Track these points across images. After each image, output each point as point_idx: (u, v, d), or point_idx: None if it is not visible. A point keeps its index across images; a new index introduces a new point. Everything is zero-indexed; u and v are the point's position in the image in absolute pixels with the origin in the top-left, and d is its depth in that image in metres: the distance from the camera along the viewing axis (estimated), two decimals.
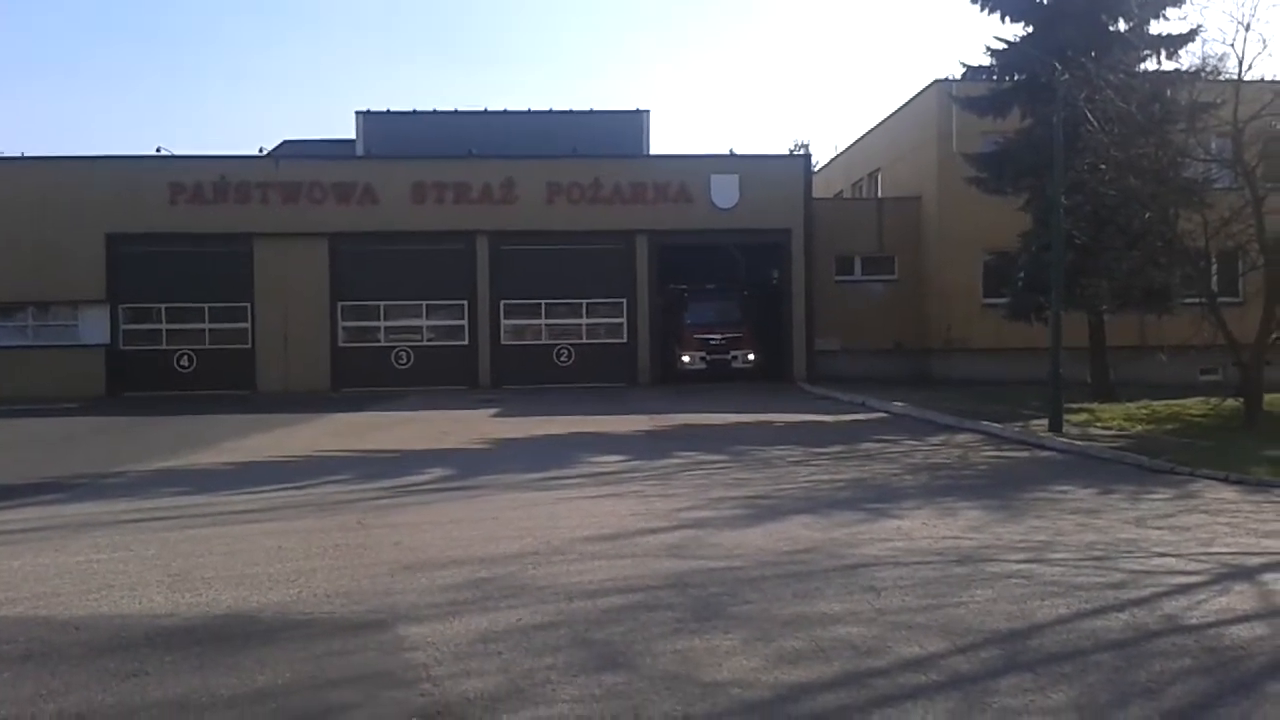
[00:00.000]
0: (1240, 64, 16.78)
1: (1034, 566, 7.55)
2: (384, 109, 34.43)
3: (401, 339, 29.20)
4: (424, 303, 29.28)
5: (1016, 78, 22.78)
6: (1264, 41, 18.52)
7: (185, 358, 28.55)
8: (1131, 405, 19.55)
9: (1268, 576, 7.35)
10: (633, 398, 24.78)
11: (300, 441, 16.44)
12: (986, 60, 23.10)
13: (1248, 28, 16.53)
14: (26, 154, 30.71)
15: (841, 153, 39.70)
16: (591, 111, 34.93)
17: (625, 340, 29.36)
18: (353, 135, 33.96)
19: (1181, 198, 18.41)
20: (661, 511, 9.84)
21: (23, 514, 10.18)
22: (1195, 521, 9.47)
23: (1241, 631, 5.98)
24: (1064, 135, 16.99)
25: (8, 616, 6.45)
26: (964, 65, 23.81)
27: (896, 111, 32.34)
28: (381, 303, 29.09)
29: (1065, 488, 11.35)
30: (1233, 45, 21.69)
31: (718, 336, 28.83)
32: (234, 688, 5.12)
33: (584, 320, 29.58)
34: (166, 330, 28.73)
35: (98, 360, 28.07)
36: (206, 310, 28.64)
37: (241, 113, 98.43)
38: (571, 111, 34.52)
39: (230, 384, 27.74)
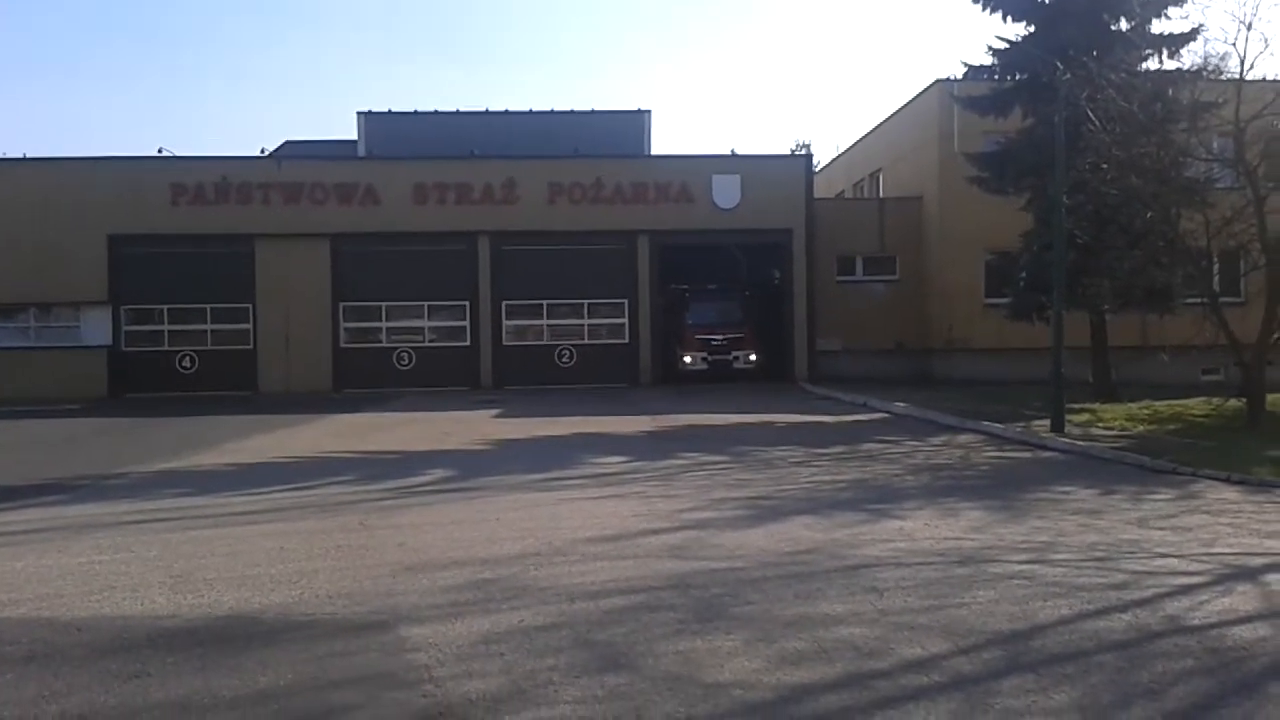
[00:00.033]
0: (1242, 63, 16.84)
1: (1036, 567, 7.55)
2: (385, 109, 34.53)
3: (403, 340, 29.21)
4: (425, 303, 29.31)
5: (1018, 77, 22.79)
6: (1266, 41, 18.68)
7: (187, 359, 28.57)
8: (1133, 405, 19.55)
9: (1270, 577, 7.35)
10: (634, 398, 24.79)
11: (302, 442, 16.45)
12: (988, 60, 23.14)
13: (1249, 27, 16.61)
14: (27, 155, 30.83)
15: (843, 153, 39.70)
16: (593, 112, 35.01)
17: (627, 341, 29.37)
18: (354, 135, 34.01)
19: (1183, 197, 18.40)
20: (663, 512, 9.84)
21: (25, 515, 10.18)
22: (1197, 522, 9.46)
23: (1244, 632, 5.97)
24: (1065, 135, 16.97)
25: (10, 618, 6.46)
26: (965, 65, 23.86)
27: (898, 111, 32.33)
28: (383, 303, 29.11)
29: (1067, 488, 11.34)
30: (1234, 44, 21.85)
31: (719, 337, 28.80)
32: (236, 689, 5.13)
33: (585, 321, 29.60)
34: (168, 331, 28.77)
35: (100, 361, 28.10)
36: (208, 311, 28.67)
37: (242, 113, 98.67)
38: (573, 112, 34.59)
39: (232, 385, 27.77)
